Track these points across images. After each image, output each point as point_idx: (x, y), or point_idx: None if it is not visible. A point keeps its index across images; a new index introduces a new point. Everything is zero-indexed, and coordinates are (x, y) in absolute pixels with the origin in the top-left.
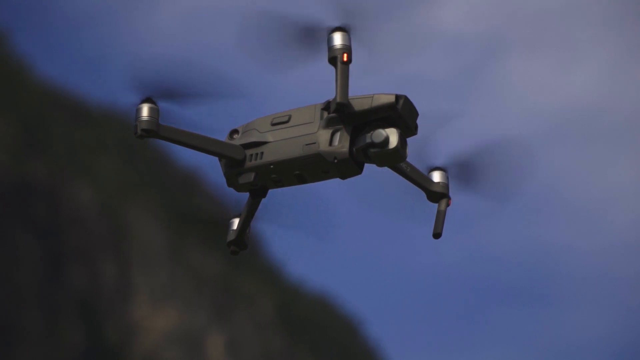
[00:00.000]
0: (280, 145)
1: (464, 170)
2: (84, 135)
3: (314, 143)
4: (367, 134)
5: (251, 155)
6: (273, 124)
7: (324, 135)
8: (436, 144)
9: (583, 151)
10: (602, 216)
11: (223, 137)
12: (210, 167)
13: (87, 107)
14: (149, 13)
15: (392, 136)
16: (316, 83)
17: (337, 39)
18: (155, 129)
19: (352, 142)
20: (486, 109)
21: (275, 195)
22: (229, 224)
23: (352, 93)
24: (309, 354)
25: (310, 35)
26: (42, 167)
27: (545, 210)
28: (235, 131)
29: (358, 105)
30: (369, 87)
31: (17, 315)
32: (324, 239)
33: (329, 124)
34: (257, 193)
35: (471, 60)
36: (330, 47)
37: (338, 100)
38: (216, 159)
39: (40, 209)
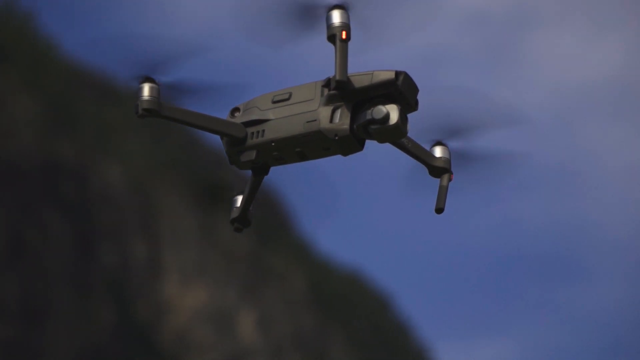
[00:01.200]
0: (281, 122)
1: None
2: (112, 114)
3: (315, 120)
4: (368, 110)
5: (252, 133)
6: (274, 102)
7: (324, 112)
8: (461, 118)
9: (611, 125)
10: (632, 189)
11: (224, 115)
12: None
13: (115, 85)
14: None
15: (393, 112)
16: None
17: (336, 16)
18: (157, 108)
19: (353, 119)
20: (512, 83)
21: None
22: (233, 202)
23: (374, 67)
24: (340, 331)
25: (310, 13)
26: (71, 147)
27: (575, 183)
28: (236, 109)
29: (358, 82)
30: (389, 60)
31: (48, 295)
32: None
33: (329, 101)
34: (259, 170)
35: (498, 35)
36: (329, 25)
37: (337, 78)
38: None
39: (70, 188)
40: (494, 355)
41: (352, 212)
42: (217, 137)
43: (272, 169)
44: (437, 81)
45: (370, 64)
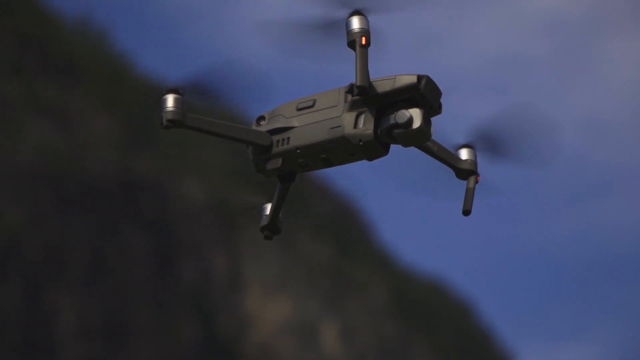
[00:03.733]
0: (306, 129)
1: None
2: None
3: (339, 126)
4: (391, 115)
5: (278, 141)
6: (298, 109)
7: (348, 118)
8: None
9: None
10: None
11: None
12: None
13: (191, 99)
14: (248, 10)
15: (416, 116)
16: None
17: (355, 22)
18: (182, 119)
19: (377, 124)
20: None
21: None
22: (262, 210)
23: (462, 70)
24: (423, 339)
25: (330, 26)
26: (150, 163)
27: None
28: (262, 117)
29: (380, 87)
30: (467, 64)
31: (131, 312)
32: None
33: (353, 106)
34: (286, 178)
35: (574, 40)
36: (349, 31)
37: (358, 83)
38: None
39: (150, 204)
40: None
41: (431, 220)
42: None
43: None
44: (513, 85)
45: (450, 67)
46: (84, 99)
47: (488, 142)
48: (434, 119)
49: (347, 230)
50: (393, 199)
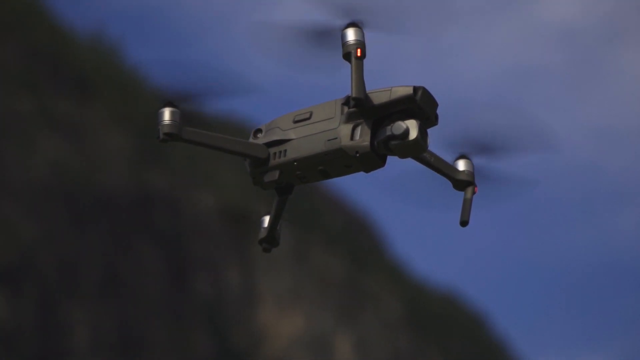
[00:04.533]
0: (303, 142)
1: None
2: None
3: (336, 138)
4: (387, 126)
5: (275, 153)
6: (295, 122)
7: (345, 130)
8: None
9: None
10: None
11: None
12: None
13: (203, 114)
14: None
15: (412, 128)
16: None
17: (350, 34)
18: (178, 132)
19: (373, 136)
20: (602, 99)
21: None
22: (260, 222)
23: (473, 79)
24: (437, 351)
25: (326, 34)
26: (162, 177)
27: None
28: (258, 130)
29: (377, 98)
30: (481, 75)
31: (145, 326)
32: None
33: (349, 118)
34: (284, 190)
35: (586, 50)
36: (344, 43)
37: (353, 95)
38: None
39: (163, 218)
40: None
41: (444, 232)
42: None
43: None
44: (527, 95)
45: (464, 78)
46: (96, 113)
47: (481, 147)
48: (435, 130)
49: (361, 243)
50: (405, 211)
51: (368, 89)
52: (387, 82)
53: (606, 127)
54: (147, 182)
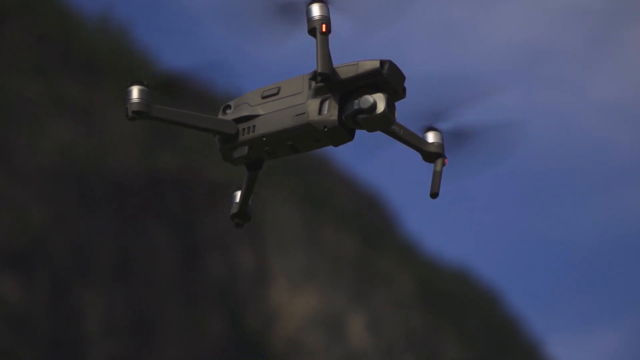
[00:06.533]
0: (271, 117)
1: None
2: None
3: (304, 113)
4: (355, 100)
5: (244, 129)
6: (263, 97)
7: (312, 104)
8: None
9: None
10: None
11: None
12: (338, 151)
13: (213, 94)
14: None
15: (379, 101)
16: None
17: (315, 10)
18: (147, 110)
19: (341, 110)
20: (612, 74)
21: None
22: (232, 197)
23: (487, 58)
24: (450, 329)
25: (291, 9)
26: (173, 158)
27: None
28: (227, 106)
29: (344, 73)
30: (493, 54)
31: (158, 308)
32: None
33: (317, 93)
34: (253, 165)
35: (596, 26)
36: (309, 18)
37: (319, 70)
38: None
39: (174, 200)
40: (606, 348)
41: (455, 209)
42: None
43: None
44: (539, 74)
45: (475, 57)
46: (106, 96)
47: (455, 133)
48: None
49: (372, 221)
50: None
51: (334, 64)
52: (399, 61)
53: (618, 103)
54: (157, 164)
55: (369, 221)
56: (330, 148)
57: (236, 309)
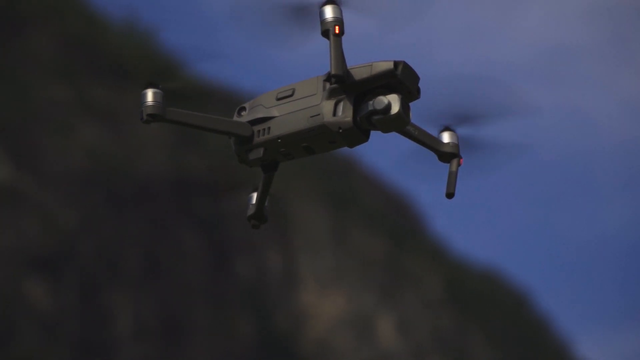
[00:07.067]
0: (286, 119)
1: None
2: None
3: (319, 115)
4: (369, 101)
5: (259, 131)
6: (278, 99)
7: (327, 106)
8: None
9: None
10: None
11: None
12: (364, 150)
13: (239, 98)
14: None
15: (394, 102)
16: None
17: (328, 12)
18: (161, 113)
19: (356, 111)
20: (635, 74)
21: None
22: (249, 199)
23: (510, 58)
24: (478, 329)
25: (305, 11)
26: (201, 161)
27: None
28: (242, 108)
29: (358, 74)
30: (520, 54)
31: (187, 310)
32: None
33: (331, 94)
34: (269, 167)
35: (618, 25)
36: (322, 20)
37: (333, 72)
38: None
39: (202, 203)
40: (637, 348)
41: (484, 209)
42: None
43: None
44: (563, 74)
45: (501, 60)
46: (133, 99)
47: (463, 118)
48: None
49: (400, 222)
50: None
51: (348, 65)
52: (421, 63)
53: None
54: (185, 167)
55: (397, 222)
56: (358, 149)
57: (265, 310)
